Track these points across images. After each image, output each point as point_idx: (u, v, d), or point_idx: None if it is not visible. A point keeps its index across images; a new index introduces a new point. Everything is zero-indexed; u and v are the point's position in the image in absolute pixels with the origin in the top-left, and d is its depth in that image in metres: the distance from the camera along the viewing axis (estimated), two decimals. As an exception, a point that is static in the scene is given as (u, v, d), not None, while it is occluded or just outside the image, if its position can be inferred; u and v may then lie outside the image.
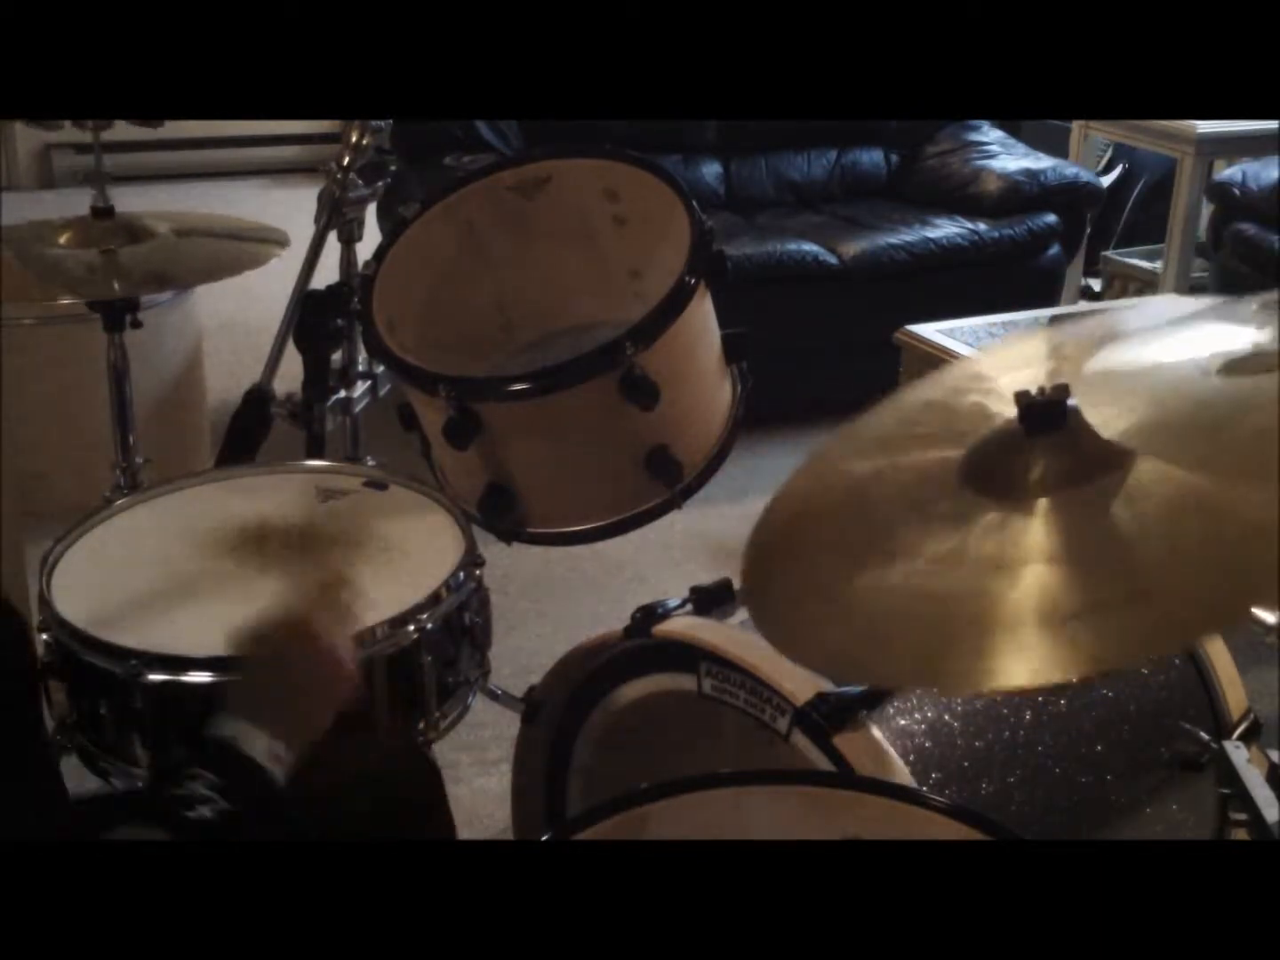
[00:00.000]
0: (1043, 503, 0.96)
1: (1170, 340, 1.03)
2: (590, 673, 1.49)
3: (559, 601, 2.78)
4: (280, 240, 1.93)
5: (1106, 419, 0.93)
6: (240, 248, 1.95)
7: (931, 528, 0.99)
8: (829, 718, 1.24)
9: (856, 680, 1.24)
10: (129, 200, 2.00)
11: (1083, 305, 3.98)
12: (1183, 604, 0.86)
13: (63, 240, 1.89)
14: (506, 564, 2.69)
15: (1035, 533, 0.94)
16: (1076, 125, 4.41)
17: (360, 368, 2.09)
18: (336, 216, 2.02)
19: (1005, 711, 1.34)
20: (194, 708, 1.38)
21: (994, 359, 1.18)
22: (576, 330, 1.61)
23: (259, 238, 1.96)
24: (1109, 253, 4.51)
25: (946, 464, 1.04)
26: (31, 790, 1.12)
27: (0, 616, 1.13)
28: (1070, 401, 0.99)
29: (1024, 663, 0.87)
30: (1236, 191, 3.89)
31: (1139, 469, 0.94)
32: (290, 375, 1.96)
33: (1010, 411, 1.02)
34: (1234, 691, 1.48)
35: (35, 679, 1.35)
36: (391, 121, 2.79)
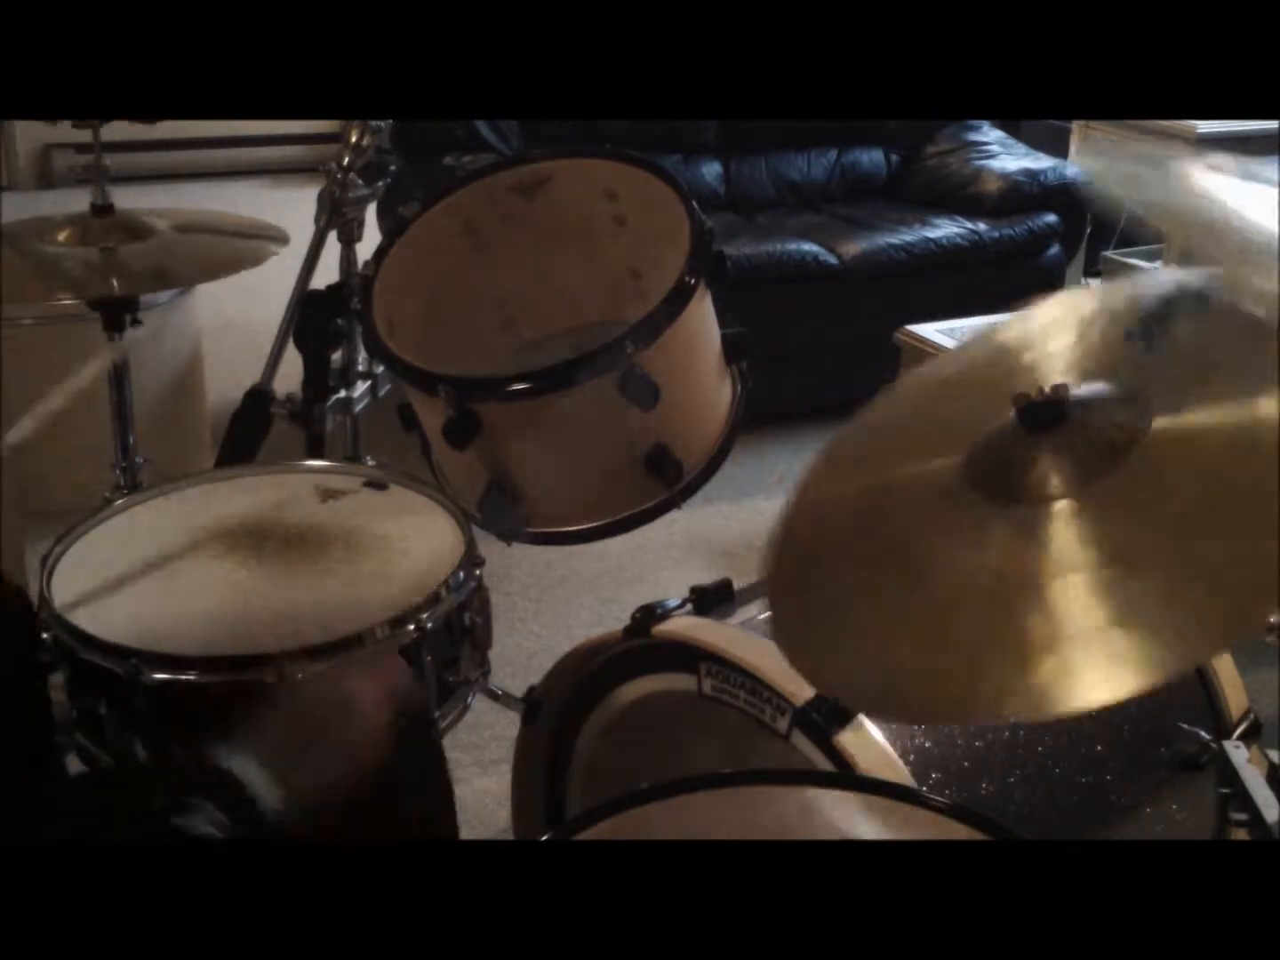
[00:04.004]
0: (1060, 506, 0.91)
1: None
2: (590, 673, 1.49)
3: (559, 601, 2.78)
4: (279, 238, 1.93)
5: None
6: (240, 245, 1.95)
7: (948, 541, 0.95)
8: (829, 718, 1.24)
9: (894, 719, 1.19)
10: (129, 200, 2.00)
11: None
12: (1232, 587, 0.80)
13: (62, 238, 1.89)
14: (506, 564, 2.69)
15: (1058, 540, 0.89)
16: (1076, 125, 4.41)
17: (360, 368, 2.09)
18: (336, 216, 2.02)
19: (1005, 711, 1.34)
20: (194, 707, 1.38)
21: (1026, 327, 1.11)
22: (576, 330, 1.61)
23: (258, 235, 1.96)
24: (1109, 253, 4.51)
25: (954, 469, 1.00)
26: (36, 781, 1.12)
27: (4, 602, 1.13)
28: (1076, 393, 0.97)
29: (1072, 683, 0.81)
30: (1236, 191, 3.89)
31: (1154, 445, 0.89)
32: (290, 375, 1.96)
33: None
34: (1234, 691, 1.48)
35: (40, 666, 1.35)
36: (391, 121, 2.79)
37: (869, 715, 1.22)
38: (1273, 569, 0.78)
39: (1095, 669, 0.81)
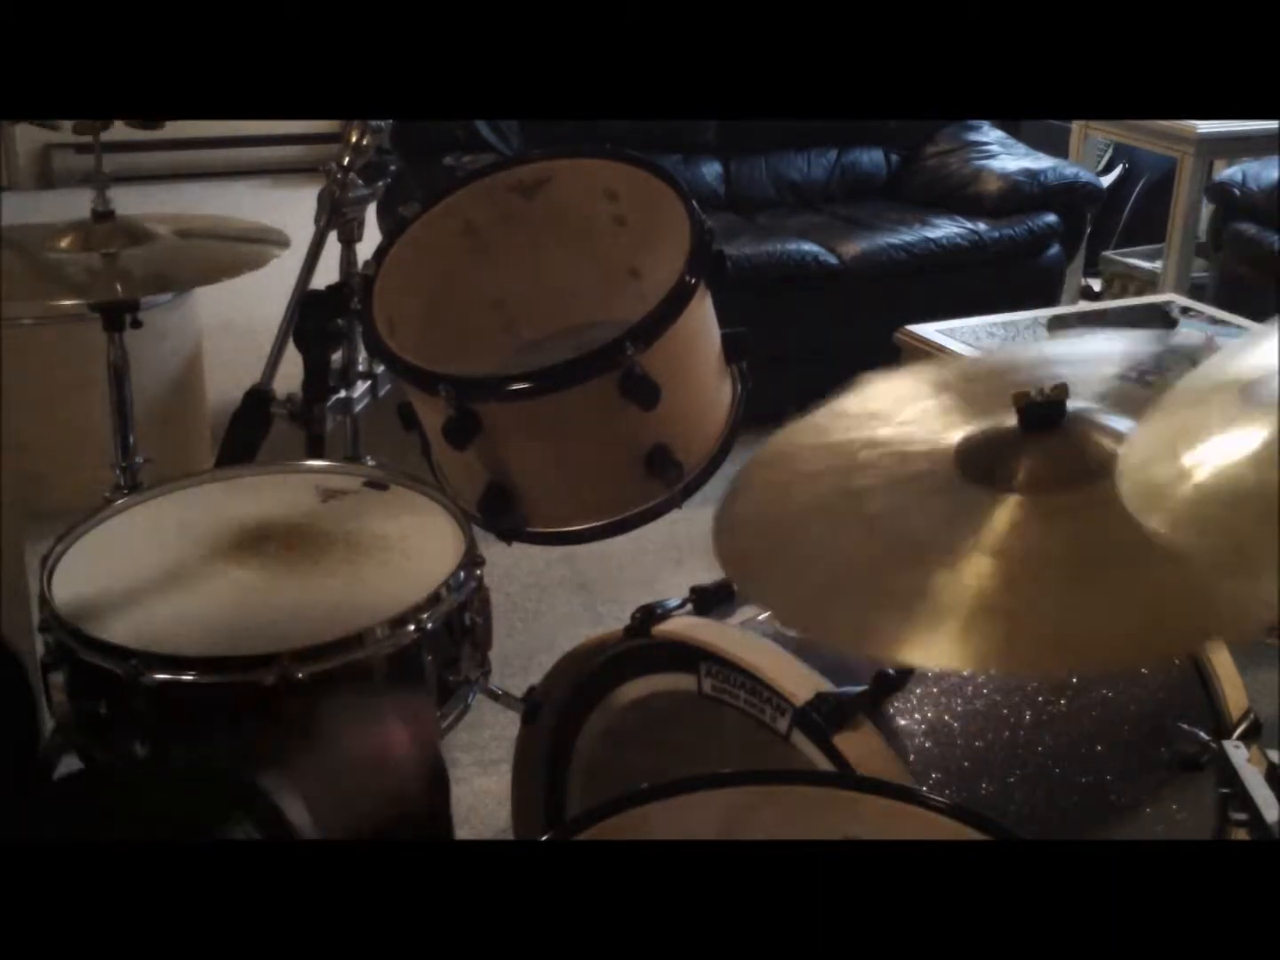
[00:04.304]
0: (1014, 499, 1.01)
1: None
2: (590, 673, 1.49)
3: (559, 601, 2.78)
4: (280, 241, 1.93)
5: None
6: (240, 249, 1.95)
7: (910, 504, 1.05)
8: (829, 718, 1.24)
9: (797, 629, 1.28)
10: (129, 200, 2.00)
11: (1083, 305, 3.98)
12: (1088, 631, 0.92)
13: (64, 244, 1.89)
14: (506, 564, 2.69)
15: (995, 526, 1.00)
16: (1076, 125, 4.41)
17: (360, 368, 2.09)
18: (336, 216, 2.02)
19: (1005, 712, 1.34)
20: (194, 708, 1.38)
21: (881, 396, 1.22)
22: (576, 330, 1.61)
23: (259, 239, 1.96)
24: (1109, 253, 4.51)
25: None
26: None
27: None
28: (1073, 407, 1.01)
29: (935, 646, 0.94)
30: (1236, 191, 3.89)
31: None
32: (290, 375, 1.96)
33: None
34: (1234, 691, 1.48)
35: (35, 726, 1.35)
36: (391, 121, 2.79)
37: (794, 629, 1.31)
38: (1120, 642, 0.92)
39: (985, 641, 0.94)
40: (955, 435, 1.10)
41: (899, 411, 1.16)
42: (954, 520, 1.01)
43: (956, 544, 0.99)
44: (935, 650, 0.95)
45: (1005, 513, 1.01)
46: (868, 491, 1.07)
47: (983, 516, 1.01)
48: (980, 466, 1.05)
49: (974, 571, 0.96)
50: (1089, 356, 1.20)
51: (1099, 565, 0.96)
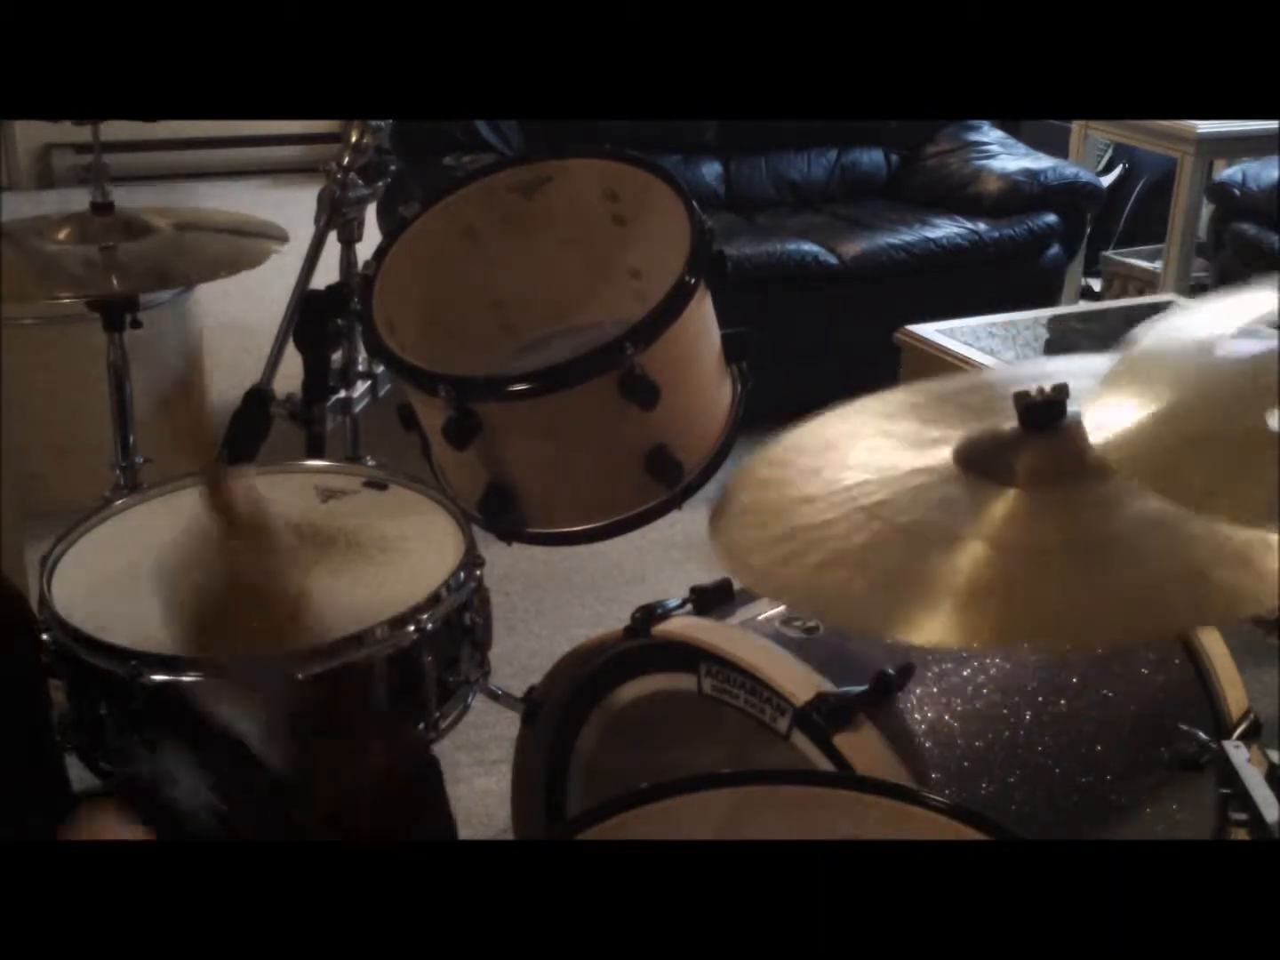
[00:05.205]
0: (1014, 493, 1.06)
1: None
2: (590, 673, 1.49)
3: (559, 601, 2.78)
4: (279, 236, 1.93)
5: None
6: (240, 244, 1.95)
7: (908, 493, 1.09)
8: (829, 718, 1.24)
9: (797, 608, 1.33)
10: (129, 200, 2.00)
11: (1083, 305, 3.98)
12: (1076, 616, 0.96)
13: (62, 236, 1.88)
14: (506, 564, 2.69)
15: (993, 516, 1.05)
16: (1076, 125, 4.41)
17: (360, 368, 2.09)
18: (336, 216, 2.02)
19: (1005, 711, 1.34)
20: (194, 708, 1.38)
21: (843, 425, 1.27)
22: (576, 330, 1.61)
23: (258, 233, 1.96)
24: (1109, 253, 4.51)
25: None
26: (37, 785, 1.12)
27: (4, 602, 1.13)
28: (1072, 409, 1.03)
29: (930, 623, 0.97)
30: (1236, 191, 3.89)
31: (1115, 489, 1.02)
32: (290, 375, 1.96)
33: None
34: (1234, 691, 1.48)
35: (40, 668, 1.35)
36: (391, 121, 2.79)
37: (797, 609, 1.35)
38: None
39: (978, 620, 0.98)
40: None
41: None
42: (953, 509, 1.06)
43: (955, 531, 1.03)
44: (930, 627, 0.98)
45: (1004, 505, 1.05)
46: (865, 485, 1.12)
47: (981, 507, 1.05)
48: (980, 463, 1.09)
49: (971, 556, 1.01)
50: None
51: (1094, 552, 1.00)
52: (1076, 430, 1.05)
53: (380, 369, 2.06)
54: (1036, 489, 1.06)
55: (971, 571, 1.00)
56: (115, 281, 1.88)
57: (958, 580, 1.00)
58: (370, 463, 1.91)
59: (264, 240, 1.92)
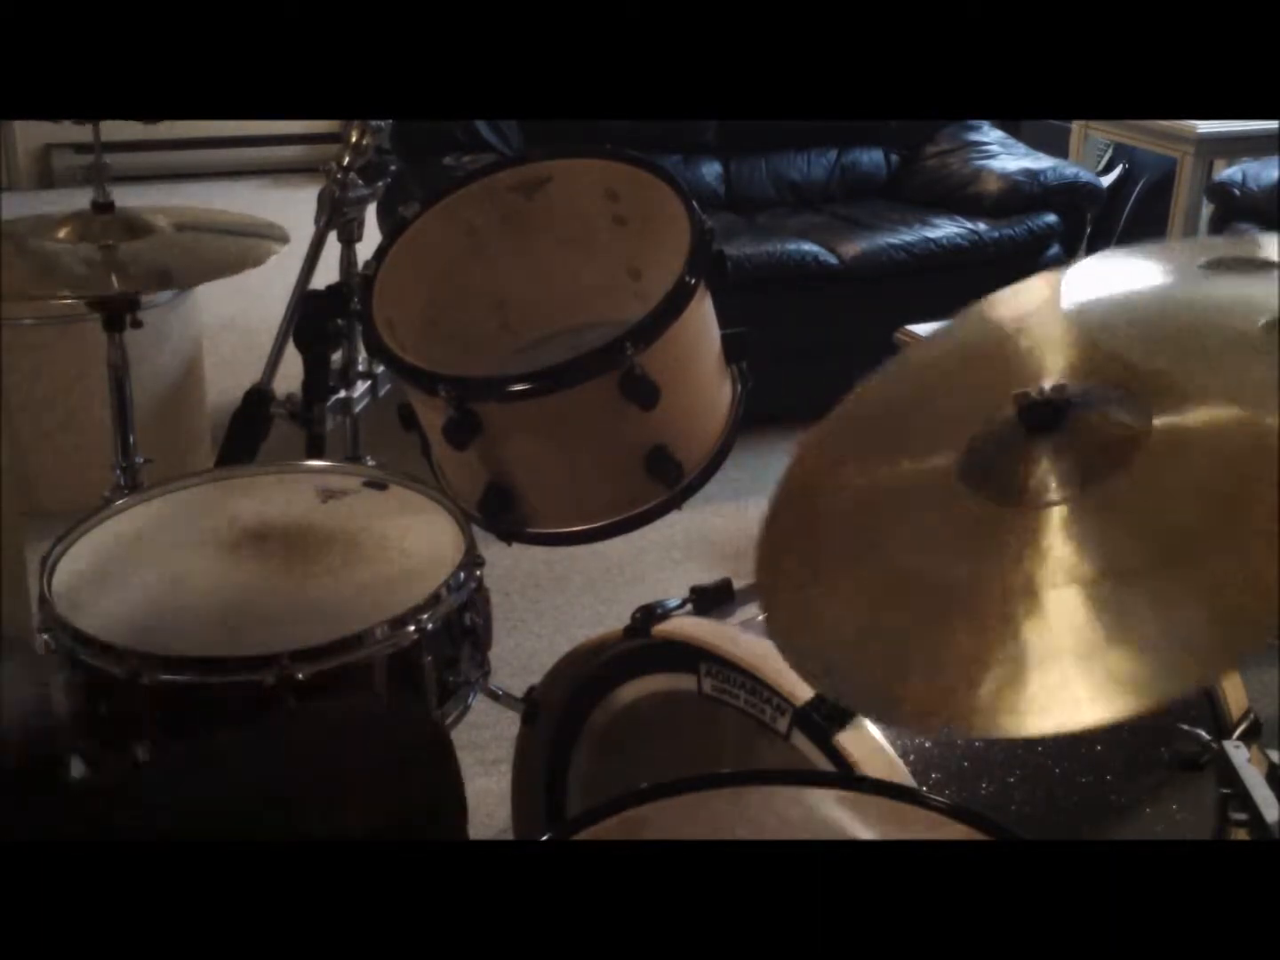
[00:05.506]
0: (1058, 512, 0.88)
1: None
2: (590, 673, 1.49)
3: (559, 601, 2.78)
4: (280, 236, 1.92)
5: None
6: (240, 244, 1.95)
7: (944, 547, 0.93)
8: (829, 718, 1.24)
9: (892, 725, 1.21)
10: (129, 200, 2.00)
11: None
12: (1231, 609, 0.77)
13: (62, 235, 1.88)
14: (506, 564, 2.69)
15: (1056, 549, 0.86)
16: (1076, 125, 4.41)
17: (360, 368, 2.09)
18: (336, 216, 2.02)
19: (1005, 711, 1.34)
20: (194, 708, 1.38)
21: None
22: (576, 330, 1.61)
23: (259, 233, 1.96)
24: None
25: (951, 468, 0.99)
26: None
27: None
28: (1075, 390, 0.96)
29: (1066, 700, 0.78)
30: (1236, 191, 3.89)
31: (1155, 447, 0.87)
32: (290, 375, 1.96)
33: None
34: (1234, 691, 1.48)
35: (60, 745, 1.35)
36: (391, 121, 2.79)
37: (867, 717, 1.22)
38: (1272, 589, 0.76)
39: (1090, 687, 0.79)
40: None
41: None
42: (996, 549, 0.88)
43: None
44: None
45: (1056, 529, 0.87)
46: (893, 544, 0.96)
47: (1032, 540, 0.87)
48: (996, 482, 0.95)
49: (1056, 607, 0.82)
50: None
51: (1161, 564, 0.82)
52: (1087, 420, 0.98)
53: (380, 369, 2.06)
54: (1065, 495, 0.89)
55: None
56: (115, 281, 1.88)
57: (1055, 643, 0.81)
58: (370, 463, 1.91)
59: (264, 240, 1.91)
